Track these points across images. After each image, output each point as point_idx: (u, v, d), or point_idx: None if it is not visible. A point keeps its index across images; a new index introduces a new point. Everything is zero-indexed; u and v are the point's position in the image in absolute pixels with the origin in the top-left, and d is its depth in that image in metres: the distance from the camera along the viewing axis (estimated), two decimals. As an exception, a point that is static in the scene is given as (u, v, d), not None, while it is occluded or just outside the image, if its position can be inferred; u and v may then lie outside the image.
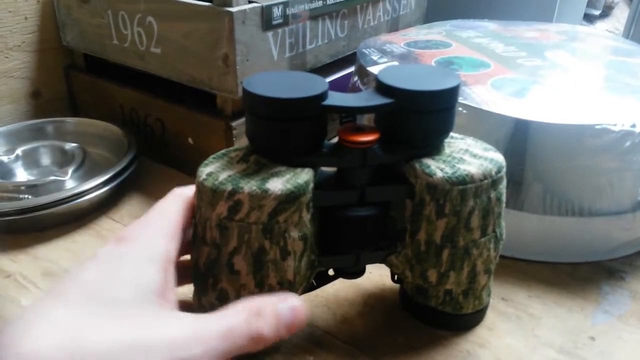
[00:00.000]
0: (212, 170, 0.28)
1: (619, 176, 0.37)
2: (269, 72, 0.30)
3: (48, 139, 0.51)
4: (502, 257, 0.40)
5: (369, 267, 0.34)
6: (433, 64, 0.45)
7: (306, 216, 0.28)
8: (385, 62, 0.46)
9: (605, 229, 0.39)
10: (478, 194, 0.29)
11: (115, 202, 0.47)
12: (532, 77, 0.42)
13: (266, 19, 0.44)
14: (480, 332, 0.34)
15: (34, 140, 0.50)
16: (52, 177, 0.45)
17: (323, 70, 0.54)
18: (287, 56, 0.48)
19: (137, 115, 0.53)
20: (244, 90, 0.27)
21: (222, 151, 0.30)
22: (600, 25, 1.63)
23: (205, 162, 0.29)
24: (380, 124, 0.30)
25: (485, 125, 0.39)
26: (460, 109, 0.38)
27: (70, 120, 0.53)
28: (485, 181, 0.29)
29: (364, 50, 0.50)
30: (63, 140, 0.51)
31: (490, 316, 0.35)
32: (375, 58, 0.47)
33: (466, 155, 0.30)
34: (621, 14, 1.69)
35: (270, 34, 0.45)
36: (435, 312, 0.33)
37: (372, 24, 0.60)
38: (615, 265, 0.41)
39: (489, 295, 0.34)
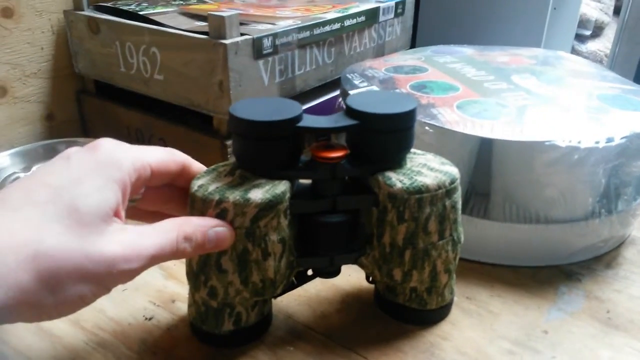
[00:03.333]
0: (202, 182, 0.32)
1: (570, 187, 0.42)
2: (253, 98, 0.35)
3: (61, 158, 0.56)
4: (469, 261, 0.45)
5: (349, 270, 0.38)
6: (408, 88, 0.50)
7: (284, 222, 0.32)
8: (366, 87, 0.51)
9: (561, 236, 0.44)
10: (434, 202, 0.34)
11: (122, 215, 0.51)
12: (495, 99, 0.47)
13: (257, 49, 0.49)
14: (444, 327, 0.38)
15: (48, 159, 0.55)
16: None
17: (312, 93, 0.59)
18: (277, 81, 0.53)
19: (142, 135, 0.58)
20: (230, 114, 0.32)
21: (213, 166, 0.34)
22: (592, 45, 1.68)
23: (198, 176, 0.33)
24: (349, 142, 0.35)
25: (452, 143, 0.44)
26: (427, 128, 0.42)
27: (80, 140, 0.58)
28: (440, 191, 0.33)
29: (347, 75, 0.55)
30: (74, 158, 0.56)
31: (454, 313, 0.39)
32: (357, 82, 0.52)
33: (424, 169, 0.35)
34: (612, 34, 1.74)
35: (261, 62, 0.50)
36: (403, 308, 0.38)
37: (358, 50, 0.65)
38: (574, 269, 0.45)
39: (452, 293, 0.39)
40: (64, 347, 0.36)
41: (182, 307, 0.39)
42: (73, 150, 0.28)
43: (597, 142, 0.40)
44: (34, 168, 0.54)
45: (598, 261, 0.46)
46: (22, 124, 0.60)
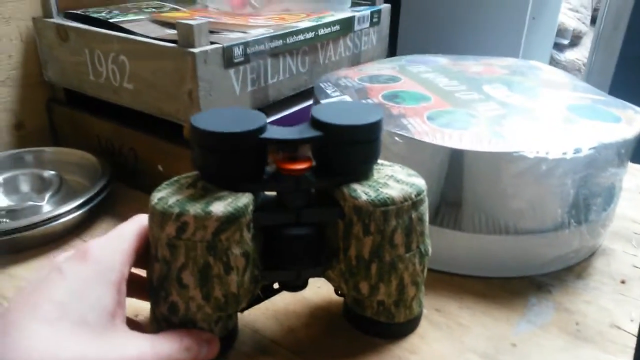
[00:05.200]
0: (163, 195, 0.32)
1: (539, 198, 0.42)
2: (216, 109, 0.34)
3: (28, 167, 0.55)
4: (439, 272, 0.45)
5: (318, 282, 0.37)
6: (380, 97, 0.50)
7: (247, 235, 0.32)
8: (338, 96, 0.51)
9: (531, 246, 0.44)
10: (400, 215, 0.33)
11: (89, 225, 0.50)
12: (465, 110, 0.47)
13: (227, 58, 0.48)
14: (413, 340, 0.38)
15: (15, 169, 0.54)
16: (30, 203, 0.49)
17: (286, 102, 0.59)
18: (249, 90, 0.52)
19: (112, 145, 0.57)
20: (191, 125, 0.31)
21: (175, 178, 0.34)
22: (570, 54, 1.70)
23: (159, 187, 0.33)
24: (314, 154, 0.34)
25: (422, 154, 0.43)
26: (396, 138, 0.42)
27: (48, 149, 0.57)
28: (406, 203, 0.33)
29: (321, 84, 0.54)
30: (42, 168, 0.55)
31: (423, 325, 0.39)
32: (330, 92, 0.52)
33: (390, 181, 0.34)
34: (589, 43, 1.77)
35: (232, 71, 0.49)
36: (371, 321, 0.37)
37: (333, 59, 0.65)
38: (545, 280, 0.45)
39: (420, 306, 0.38)
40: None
41: (145, 322, 0.38)
42: (62, 260, 0.30)
43: (564, 153, 0.40)
44: (-1, 178, 0.53)
45: (569, 272, 0.46)
46: (-11, 132, 0.58)
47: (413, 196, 0.33)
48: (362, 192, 0.33)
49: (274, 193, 0.34)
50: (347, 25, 0.65)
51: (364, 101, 0.49)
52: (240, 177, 0.32)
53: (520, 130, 0.43)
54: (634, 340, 0.39)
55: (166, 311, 0.33)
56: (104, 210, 0.52)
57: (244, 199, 0.31)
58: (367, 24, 0.69)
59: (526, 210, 0.42)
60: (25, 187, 0.54)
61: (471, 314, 0.40)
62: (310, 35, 0.59)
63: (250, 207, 0.31)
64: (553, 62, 1.80)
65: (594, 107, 0.49)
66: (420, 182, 0.35)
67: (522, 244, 0.43)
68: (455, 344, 0.37)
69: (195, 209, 0.30)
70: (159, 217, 0.31)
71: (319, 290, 0.42)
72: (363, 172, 0.34)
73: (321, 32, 0.60)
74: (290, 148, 0.34)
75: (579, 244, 0.45)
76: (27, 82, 0.60)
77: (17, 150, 0.57)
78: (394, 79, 0.55)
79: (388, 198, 0.33)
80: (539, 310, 0.41)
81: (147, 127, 0.54)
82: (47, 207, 0.49)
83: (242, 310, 0.36)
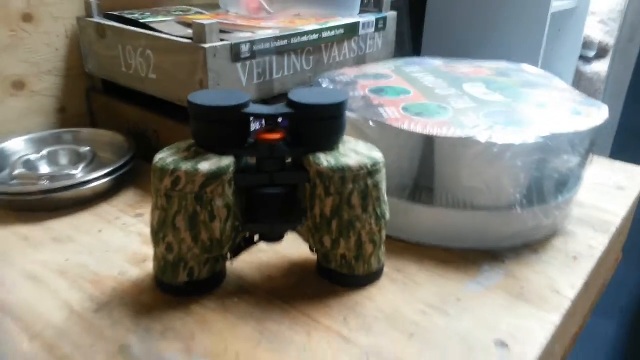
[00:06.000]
0: (163, 156, 0.40)
1: (493, 178, 0.48)
2: (211, 90, 0.42)
3: (67, 144, 0.64)
4: (407, 242, 0.51)
5: (299, 243, 0.44)
6: (367, 91, 0.57)
7: (229, 190, 0.39)
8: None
9: (489, 222, 0.49)
10: (356, 180, 0.40)
11: (115, 193, 0.59)
12: (438, 103, 0.53)
13: (235, 54, 0.56)
14: (371, 290, 0.44)
15: (56, 145, 0.64)
16: (66, 171, 0.58)
17: (290, 95, 0.66)
18: (255, 83, 0.60)
19: (139, 127, 0.66)
20: (188, 101, 0.39)
21: (175, 144, 0.42)
22: (596, 66, 1.72)
23: (161, 151, 0.40)
24: (289, 128, 0.41)
25: (396, 139, 0.50)
26: (370, 123, 0.49)
27: (85, 130, 0.67)
28: (362, 171, 0.40)
29: (319, 79, 0.62)
30: (79, 145, 0.64)
31: (383, 281, 0.46)
32: (324, 85, 0.59)
33: (351, 153, 0.41)
34: (617, 56, 1.78)
35: (239, 65, 0.57)
36: (336, 273, 0.44)
37: (337, 60, 0.72)
38: (502, 252, 0.50)
39: (379, 263, 0.45)
40: (50, 290, 0.43)
41: (151, 266, 0.46)
42: None
43: (511, 140, 0.46)
44: (43, 152, 0.62)
45: (526, 248, 0.51)
46: (37, 115, 0.68)
47: (369, 166, 0.40)
48: (325, 160, 0.40)
49: (254, 160, 0.42)
50: (351, 29, 0.72)
51: (350, 93, 0.56)
52: (226, 144, 0.40)
53: (483, 121, 0.49)
54: (570, 303, 0.44)
55: (164, 250, 0.40)
56: (127, 181, 0.61)
57: (227, 161, 0.39)
58: (372, 29, 0.76)
59: (482, 189, 0.48)
60: (64, 160, 0.63)
61: (428, 275, 0.47)
62: (314, 37, 0.66)
63: (232, 168, 0.39)
64: (578, 73, 1.82)
65: (561, 104, 0.54)
66: (378, 156, 0.42)
67: (481, 219, 0.49)
68: (407, 296, 0.44)
69: (186, 166, 0.38)
70: (159, 173, 0.39)
71: (299, 250, 0.49)
72: (328, 145, 0.41)
73: (325, 34, 0.68)
74: (268, 122, 0.41)
75: (534, 223, 0.50)
76: (70, 73, 0.70)
77: (59, 130, 0.66)
78: (385, 77, 0.62)
79: (345, 165, 0.39)
80: (489, 275, 0.47)
81: (168, 113, 0.63)
82: (80, 176, 0.58)
83: (227, 258, 0.43)
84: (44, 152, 0.62)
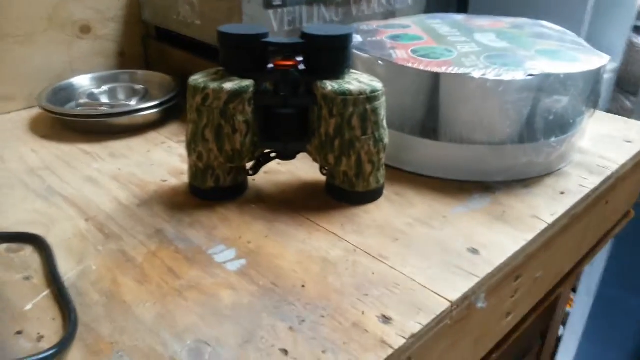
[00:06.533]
0: (196, 77, 0.48)
1: (487, 114, 0.53)
2: (238, 24, 0.49)
3: (125, 82, 0.74)
4: (410, 173, 0.57)
5: (313, 169, 0.52)
6: (384, 37, 0.62)
7: (248, 108, 0.47)
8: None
9: (483, 155, 0.55)
10: (356, 104, 0.47)
11: (162, 123, 0.68)
12: (445, 47, 0.58)
13: (267, 1, 0.63)
14: (369, 206, 0.51)
15: (115, 82, 0.74)
16: (123, 102, 0.67)
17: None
18: (286, 29, 0.67)
19: (185, 69, 0.75)
20: (217, 31, 0.47)
21: (206, 70, 0.49)
22: (652, 37, 1.66)
23: (195, 74, 0.49)
24: (303, 59, 0.48)
25: (403, 77, 0.56)
26: (379, 62, 0.55)
27: (140, 72, 0.76)
28: (361, 96, 0.47)
29: (345, 28, 0.68)
30: (134, 84, 0.73)
31: (381, 201, 0.52)
32: (348, 33, 0.65)
33: (354, 81, 0.48)
34: (675, 26, 1.71)
35: (270, 11, 0.64)
36: (339, 189, 0.51)
37: (366, 13, 0.78)
38: (495, 185, 0.56)
39: (377, 182, 0.51)
40: (104, 189, 0.53)
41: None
42: None
43: (501, 75, 0.51)
44: (104, 87, 0.72)
45: (520, 183, 0.56)
46: (100, 56, 0.78)
47: (368, 92, 0.47)
48: (330, 85, 0.47)
49: (272, 88, 0.49)
50: (381, -15, 0.78)
51: (369, 39, 0.62)
52: (247, 69, 0.47)
53: (482, 62, 0.54)
54: (546, 225, 0.49)
55: (195, 158, 0.49)
56: (173, 114, 0.70)
57: (247, 82, 0.46)
58: (402, -14, 0.81)
59: (477, 124, 0.53)
60: (121, 95, 0.73)
61: (422, 198, 0.53)
62: (344, -10, 0.72)
63: (251, 89, 0.47)
64: (631, 45, 1.78)
65: (562, 52, 0.58)
66: (378, 85, 0.48)
67: (475, 152, 0.55)
68: (399, 212, 0.50)
69: (214, 85, 0.46)
70: (192, 90, 0.47)
71: (311, 174, 0.56)
72: (334, 73, 0.48)
73: (355, -12, 0.73)
74: (285, 51, 0.48)
75: (525, 159, 0.55)
76: (129, 20, 0.80)
77: (118, 71, 0.76)
78: (404, 27, 0.67)
79: (347, 90, 0.46)
80: (478, 201, 0.53)
81: (210, 57, 0.71)
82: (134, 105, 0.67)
83: (247, 172, 0.51)
84: (105, 87, 0.72)
